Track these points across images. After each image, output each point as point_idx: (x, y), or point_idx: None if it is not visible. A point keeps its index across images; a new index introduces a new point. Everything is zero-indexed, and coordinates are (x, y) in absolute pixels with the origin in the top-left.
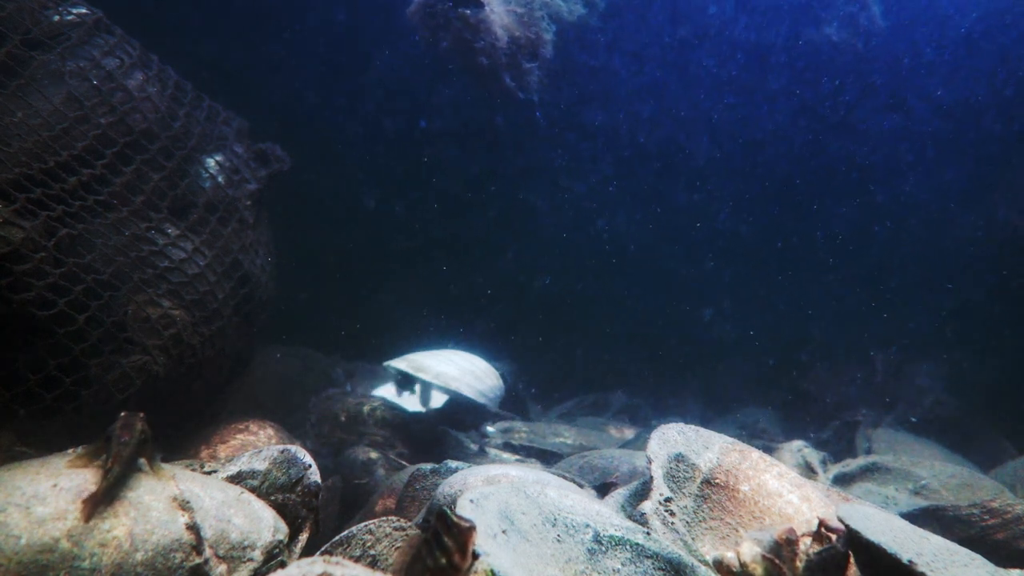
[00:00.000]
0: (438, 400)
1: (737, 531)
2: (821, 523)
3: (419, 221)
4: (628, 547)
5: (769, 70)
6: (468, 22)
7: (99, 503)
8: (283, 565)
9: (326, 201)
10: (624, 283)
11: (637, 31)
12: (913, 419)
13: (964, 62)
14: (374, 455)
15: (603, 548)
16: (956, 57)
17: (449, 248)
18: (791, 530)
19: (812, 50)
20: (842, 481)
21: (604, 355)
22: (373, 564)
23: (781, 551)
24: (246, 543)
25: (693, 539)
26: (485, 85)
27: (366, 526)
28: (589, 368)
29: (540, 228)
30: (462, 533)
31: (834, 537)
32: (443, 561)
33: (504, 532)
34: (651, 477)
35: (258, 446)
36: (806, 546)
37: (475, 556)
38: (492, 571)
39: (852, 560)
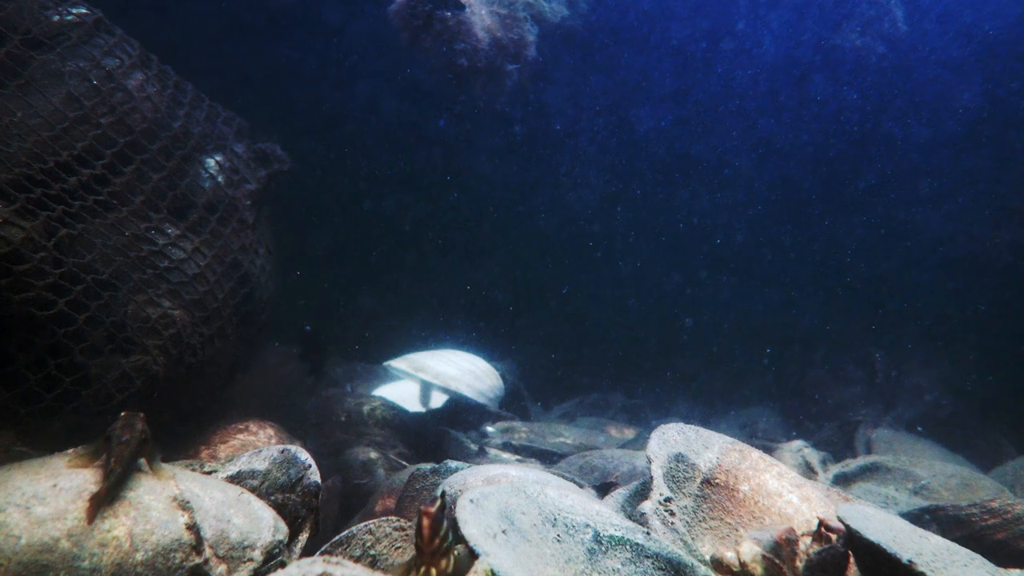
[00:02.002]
0: (438, 400)
1: (737, 531)
2: (821, 523)
3: (421, 224)
4: (628, 547)
5: (779, 73)
6: (448, 24)
7: (102, 503)
8: (283, 565)
9: (328, 202)
10: (625, 284)
11: (622, 32)
12: (920, 429)
13: (980, 71)
14: (374, 455)
15: (603, 548)
16: (973, 65)
17: (451, 250)
18: (791, 530)
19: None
20: (842, 481)
21: (605, 355)
22: (373, 564)
23: (781, 551)
24: (246, 543)
25: (693, 539)
26: (466, 87)
27: (366, 526)
28: (589, 368)
29: (541, 231)
30: (419, 516)
31: (834, 537)
32: (415, 541)
33: (504, 532)
34: (651, 477)
35: (258, 446)
36: (806, 546)
37: (475, 556)
38: (492, 571)
39: (852, 560)
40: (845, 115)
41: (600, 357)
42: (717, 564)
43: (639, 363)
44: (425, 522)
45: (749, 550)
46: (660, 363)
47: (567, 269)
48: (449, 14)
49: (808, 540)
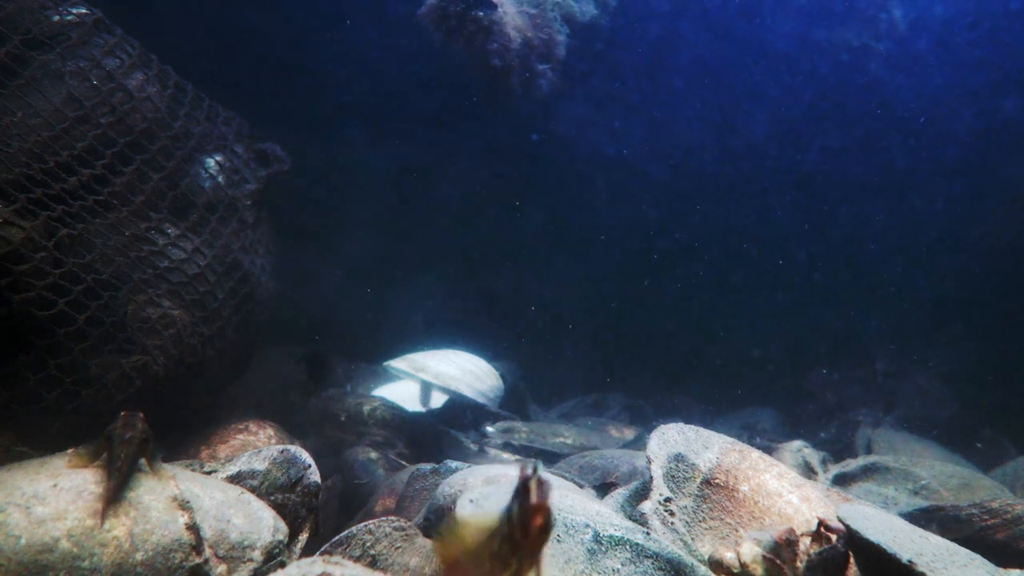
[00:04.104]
0: (438, 400)
1: (737, 531)
2: (821, 523)
3: (421, 225)
4: (628, 547)
5: (799, 77)
6: (481, 24)
7: (111, 503)
8: (283, 565)
9: (330, 202)
10: (624, 284)
11: (651, 31)
12: (981, 444)
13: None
14: (374, 455)
15: (603, 548)
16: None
17: (452, 251)
18: (791, 530)
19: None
20: (842, 481)
21: (605, 355)
22: (373, 564)
23: (781, 551)
24: (246, 543)
25: (693, 539)
26: (498, 88)
27: (366, 526)
28: (590, 368)
29: (541, 230)
30: (525, 510)
31: (834, 537)
32: (508, 532)
33: None
34: (651, 477)
35: (258, 446)
36: (806, 546)
37: None
38: None
39: (852, 560)
40: (866, 112)
41: (601, 357)
42: (717, 565)
43: (640, 362)
44: (539, 520)
45: (749, 550)
46: (661, 362)
47: (569, 269)
48: (482, 14)
49: (808, 540)
